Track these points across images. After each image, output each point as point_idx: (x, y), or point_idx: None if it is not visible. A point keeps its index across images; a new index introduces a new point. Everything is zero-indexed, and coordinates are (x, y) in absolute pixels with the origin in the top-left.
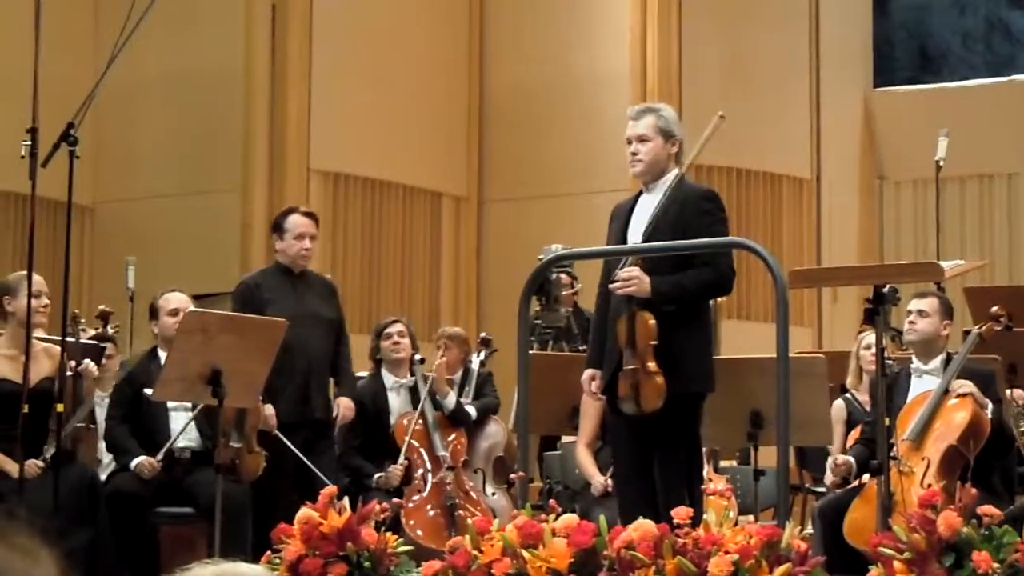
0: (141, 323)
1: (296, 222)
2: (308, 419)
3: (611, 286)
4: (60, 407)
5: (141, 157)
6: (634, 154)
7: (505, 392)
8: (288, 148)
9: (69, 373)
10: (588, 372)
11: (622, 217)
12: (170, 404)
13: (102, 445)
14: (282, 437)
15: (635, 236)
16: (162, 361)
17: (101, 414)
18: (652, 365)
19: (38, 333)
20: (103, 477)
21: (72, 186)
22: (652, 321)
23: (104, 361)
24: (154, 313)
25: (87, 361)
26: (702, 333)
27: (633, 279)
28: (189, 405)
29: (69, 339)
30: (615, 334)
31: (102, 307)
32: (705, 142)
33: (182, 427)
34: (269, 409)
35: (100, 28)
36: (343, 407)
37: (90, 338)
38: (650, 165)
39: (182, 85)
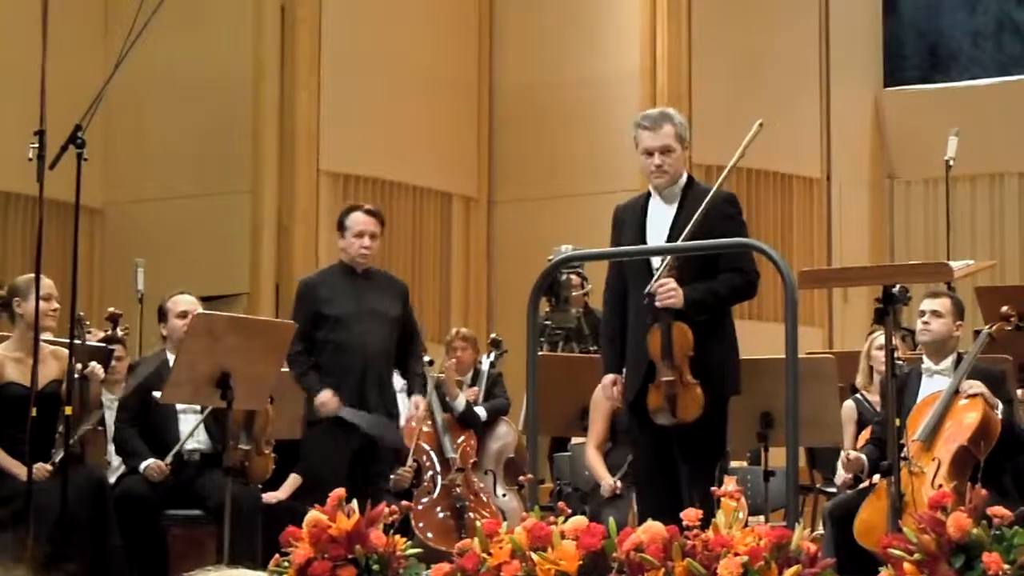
0: (150, 325)
1: (357, 220)
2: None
3: (656, 302)
4: (68, 410)
5: (151, 159)
6: (659, 166)
7: (515, 393)
8: (298, 149)
9: (76, 376)
10: (609, 377)
11: (635, 222)
12: (179, 406)
13: (111, 448)
14: (345, 413)
15: (657, 242)
16: (170, 363)
17: (110, 417)
18: (690, 376)
19: (46, 336)
20: (112, 480)
21: (80, 188)
22: (690, 332)
23: (113, 363)
24: (163, 315)
25: (93, 364)
26: (730, 339)
27: (672, 290)
28: (198, 407)
29: (77, 342)
30: (643, 344)
31: (111, 309)
32: (744, 149)
33: (190, 430)
34: (324, 395)
35: (109, 30)
36: (412, 403)
37: (99, 340)
38: (673, 175)
39: (192, 87)
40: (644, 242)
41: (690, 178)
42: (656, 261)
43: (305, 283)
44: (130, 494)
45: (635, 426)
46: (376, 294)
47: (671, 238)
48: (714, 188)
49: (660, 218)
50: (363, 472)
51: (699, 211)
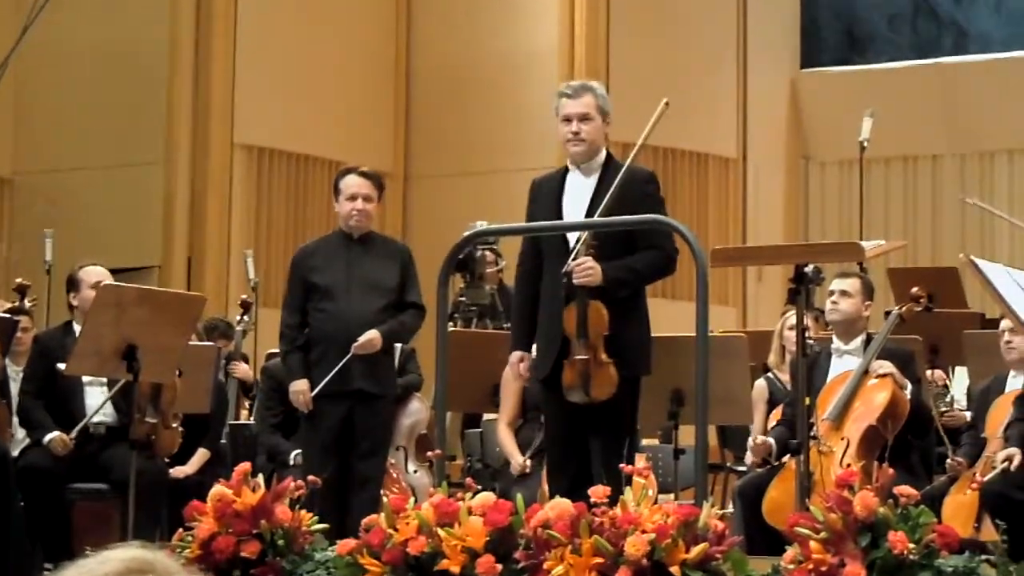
0: (59, 297)
1: (349, 183)
2: (348, 390)
3: (573, 280)
4: None
5: (63, 128)
6: (576, 134)
7: (429, 369)
8: (212, 122)
9: None
10: (516, 354)
11: (551, 195)
12: (85, 378)
13: (16, 420)
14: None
15: (574, 217)
16: (77, 334)
17: (15, 388)
18: (604, 355)
19: None
20: (16, 452)
21: None
22: (605, 311)
23: (19, 334)
24: (74, 285)
25: None
26: (643, 318)
27: (589, 268)
28: (104, 380)
29: None
30: (558, 321)
31: (19, 280)
32: (651, 128)
33: (99, 405)
34: (299, 384)
35: None
36: (366, 335)
37: (6, 311)
38: (591, 145)
39: (106, 57)
40: (560, 217)
41: (609, 155)
42: (572, 238)
43: (300, 251)
44: (34, 467)
45: (547, 402)
46: (371, 261)
47: (589, 214)
48: (624, 165)
49: (578, 193)
50: (353, 449)
51: (614, 186)
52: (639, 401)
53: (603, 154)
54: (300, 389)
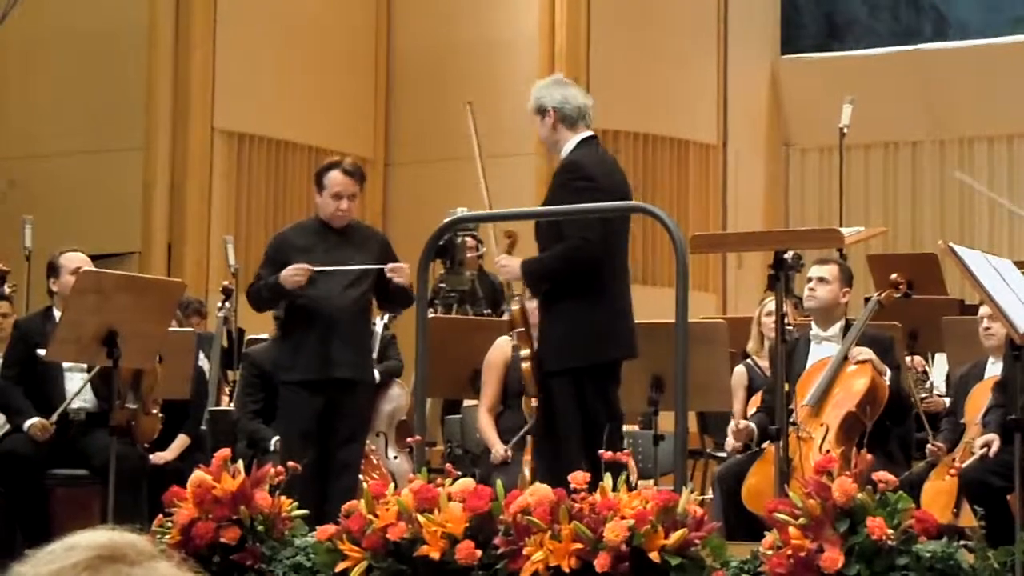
0: (38, 283)
1: (334, 179)
2: (330, 378)
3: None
4: None
5: (43, 115)
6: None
7: (409, 355)
8: (192, 107)
9: None
10: None
11: None
12: (65, 364)
13: None
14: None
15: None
16: (57, 320)
17: None
18: (525, 352)
19: None
20: None
21: None
22: (516, 308)
23: None
24: (54, 271)
25: None
26: (566, 312)
27: (502, 266)
28: (85, 366)
29: None
30: None
31: None
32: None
33: (77, 389)
34: (284, 274)
35: None
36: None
37: None
38: (548, 144)
39: (85, 42)
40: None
41: (583, 141)
42: None
43: (280, 235)
44: (13, 452)
45: None
46: (350, 249)
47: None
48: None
49: None
50: (332, 435)
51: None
52: (585, 393)
53: (567, 145)
54: (287, 274)
